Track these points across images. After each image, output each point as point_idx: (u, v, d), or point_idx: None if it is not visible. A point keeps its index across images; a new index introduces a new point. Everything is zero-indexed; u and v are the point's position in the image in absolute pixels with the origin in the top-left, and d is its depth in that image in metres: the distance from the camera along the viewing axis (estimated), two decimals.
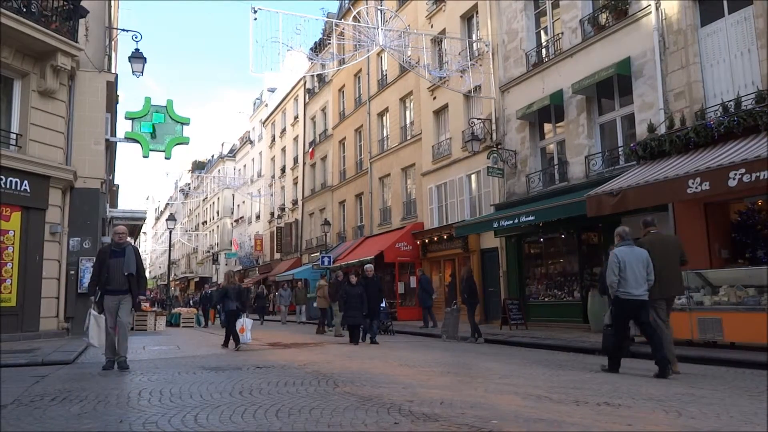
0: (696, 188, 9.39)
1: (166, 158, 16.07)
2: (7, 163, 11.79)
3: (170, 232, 34.79)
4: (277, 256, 40.34)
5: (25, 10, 11.88)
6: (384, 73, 27.16)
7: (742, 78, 11.05)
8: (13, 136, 12.42)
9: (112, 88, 14.97)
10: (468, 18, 20.53)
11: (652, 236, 7.60)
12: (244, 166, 52.48)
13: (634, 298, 7.06)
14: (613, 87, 14.17)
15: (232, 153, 57.71)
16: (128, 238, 8.52)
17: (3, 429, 4.18)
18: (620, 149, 13.83)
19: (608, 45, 13.94)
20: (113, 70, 17.79)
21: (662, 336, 7.00)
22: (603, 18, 14.28)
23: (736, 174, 8.80)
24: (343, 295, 12.79)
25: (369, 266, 13.83)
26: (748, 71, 10.96)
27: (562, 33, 15.67)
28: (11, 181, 11.90)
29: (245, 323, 12.27)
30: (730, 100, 10.85)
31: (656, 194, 10.37)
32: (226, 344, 12.42)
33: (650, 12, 12.75)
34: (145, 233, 77.75)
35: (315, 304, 24.86)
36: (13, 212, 12.14)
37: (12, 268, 12.08)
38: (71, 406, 4.98)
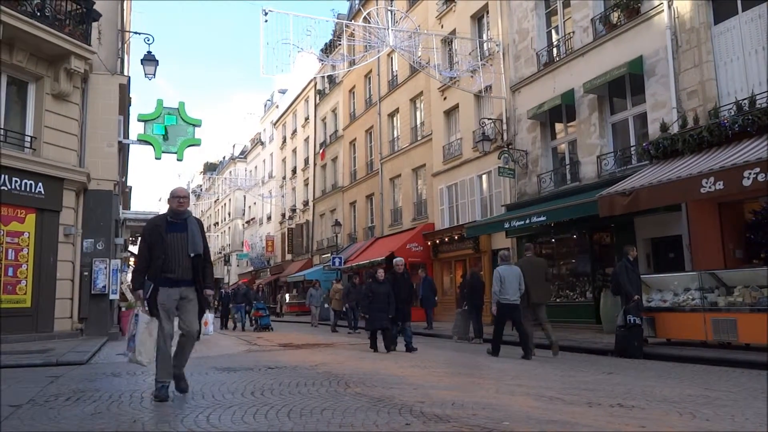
0: (710, 188, 9.30)
1: (178, 160, 16.18)
2: (22, 165, 11.94)
3: None
4: (288, 257, 40.46)
5: (38, 14, 12.02)
6: (394, 74, 27.16)
7: (756, 76, 10.93)
8: (28, 138, 12.56)
9: (124, 90, 15.09)
10: (478, 18, 20.48)
11: (526, 259, 10.42)
12: (255, 167, 52.70)
13: (510, 302, 9.62)
14: (625, 86, 14.07)
15: (244, 154, 57.98)
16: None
17: (19, 429, 4.22)
18: (632, 149, 13.74)
19: (620, 44, 13.85)
20: (126, 73, 17.93)
21: (527, 331, 9.60)
22: (615, 17, 14.19)
23: (750, 173, 8.71)
24: (369, 294, 11.03)
25: (399, 260, 11.88)
26: (762, 69, 10.83)
27: (573, 32, 15.59)
28: (26, 183, 12.04)
29: (207, 318, 15.22)
30: (744, 99, 10.74)
31: (669, 194, 10.29)
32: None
33: (662, 10, 12.65)
34: None
35: (326, 306, 25.07)
36: (27, 214, 12.28)
37: (27, 269, 12.22)
38: (85, 406, 5.02)
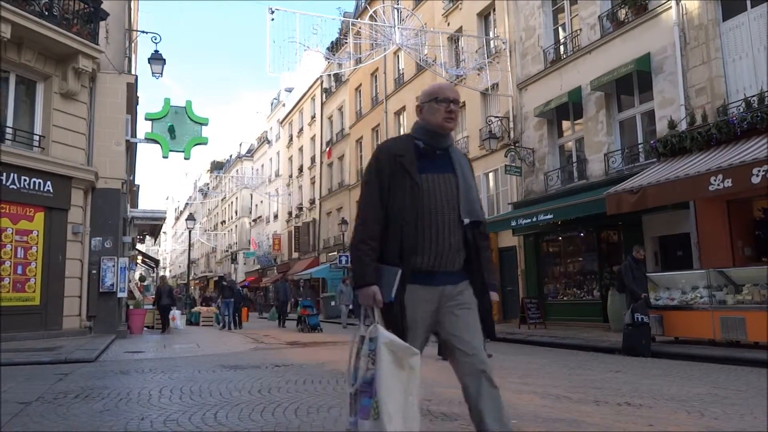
0: (718, 185, 9.24)
1: (185, 159, 16.23)
2: (31, 164, 12.02)
3: (190, 232, 35.14)
4: (295, 255, 40.54)
5: (46, 13, 12.09)
6: (401, 72, 27.14)
7: (765, 73, 10.85)
8: (36, 137, 12.64)
9: (132, 89, 15.16)
10: (485, 15, 20.43)
11: None
12: (262, 165, 52.82)
13: None
14: (632, 83, 14.00)
15: (250, 153, 58.12)
16: None
17: (28, 426, 4.25)
18: (640, 146, 13.67)
19: (627, 41, 13.78)
20: (133, 72, 18.00)
21: None
22: (622, 14, 14.11)
23: (759, 170, 8.65)
24: None
25: None
26: None
27: (580, 29, 15.51)
28: (34, 181, 12.11)
29: (175, 314, 17.59)
30: (753, 96, 10.66)
31: (677, 192, 10.23)
32: (164, 330, 17.05)
33: (670, 7, 12.57)
34: (165, 233, 78.72)
35: (333, 303, 25.05)
36: (36, 212, 12.36)
37: (36, 267, 12.31)
38: (94, 404, 5.05)
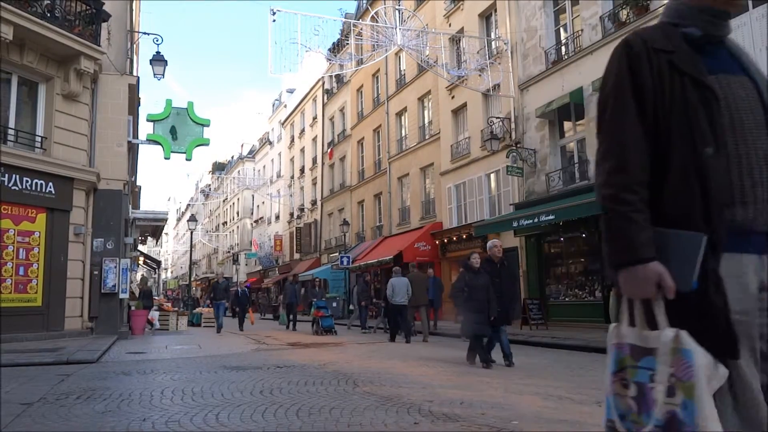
0: None
1: (186, 160, 16.24)
2: (33, 165, 12.03)
3: (191, 233, 35.16)
4: (296, 256, 40.56)
5: (49, 14, 12.11)
6: (402, 73, 27.15)
7: (766, 72, 10.83)
8: (38, 138, 12.66)
9: (134, 90, 15.17)
10: (486, 16, 20.44)
11: (412, 273, 14.64)
12: (264, 166, 52.85)
13: (398, 303, 13.41)
14: None
15: (252, 154, 58.17)
16: None
17: (31, 427, 4.26)
18: None
19: None
20: (135, 73, 18.02)
21: (409, 324, 13.52)
22: (623, 14, 14.11)
23: None
24: (464, 288, 8.59)
25: (495, 242, 8.81)
26: None
27: (581, 30, 15.51)
28: (36, 183, 12.13)
29: (153, 315, 18.44)
30: None
31: None
32: (150, 327, 17.81)
33: None
34: (166, 234, 78.85)
35: (335, 304, 25.03)
36: (38, 213, 12.38)
37: (38, 268, 12.32)
38: (96, 405, 5.05)
